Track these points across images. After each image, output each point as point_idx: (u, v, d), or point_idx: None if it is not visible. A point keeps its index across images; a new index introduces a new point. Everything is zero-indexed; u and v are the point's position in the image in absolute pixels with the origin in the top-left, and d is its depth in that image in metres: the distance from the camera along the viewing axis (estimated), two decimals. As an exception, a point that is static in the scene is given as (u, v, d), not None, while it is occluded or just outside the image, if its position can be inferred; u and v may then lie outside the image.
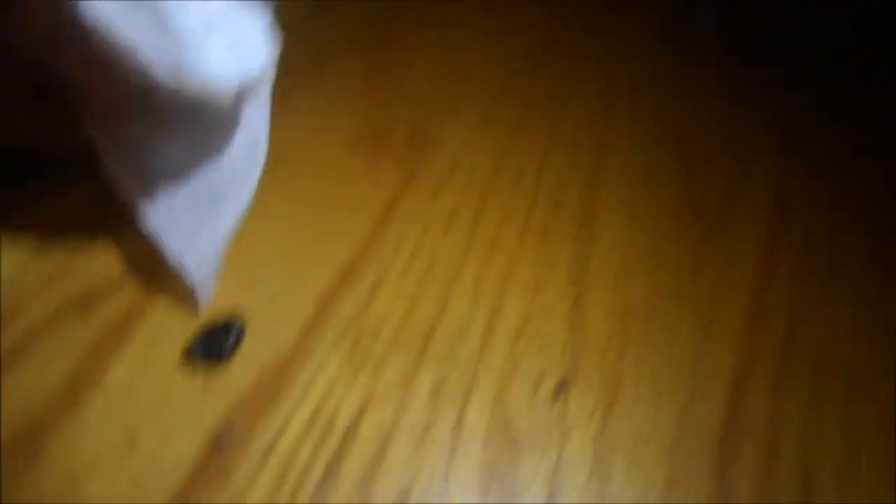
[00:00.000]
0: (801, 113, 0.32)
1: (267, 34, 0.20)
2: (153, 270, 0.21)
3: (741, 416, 0.21)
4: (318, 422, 0.20)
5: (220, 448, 0.19)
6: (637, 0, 0.37)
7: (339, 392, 0.20)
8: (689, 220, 0.27)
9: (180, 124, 0.21)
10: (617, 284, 0.24)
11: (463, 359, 0.21)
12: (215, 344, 0.20)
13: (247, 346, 0.21)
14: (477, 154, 0.28)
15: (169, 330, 0.21)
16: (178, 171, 0.21)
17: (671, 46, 0.34)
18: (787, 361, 0.23)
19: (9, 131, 0.22)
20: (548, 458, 0.20)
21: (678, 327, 0.23)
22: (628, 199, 0.27)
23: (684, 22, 0.36)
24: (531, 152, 0.28)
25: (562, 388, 0.21)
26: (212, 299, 0.21)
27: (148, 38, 0.18)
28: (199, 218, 0.21)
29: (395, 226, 0.25)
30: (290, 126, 0.27)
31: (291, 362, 0.21)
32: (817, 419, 0.22)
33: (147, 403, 0.19)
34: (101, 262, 0.22)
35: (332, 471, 0.19)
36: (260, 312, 0.21)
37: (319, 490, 0.18)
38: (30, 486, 0.18)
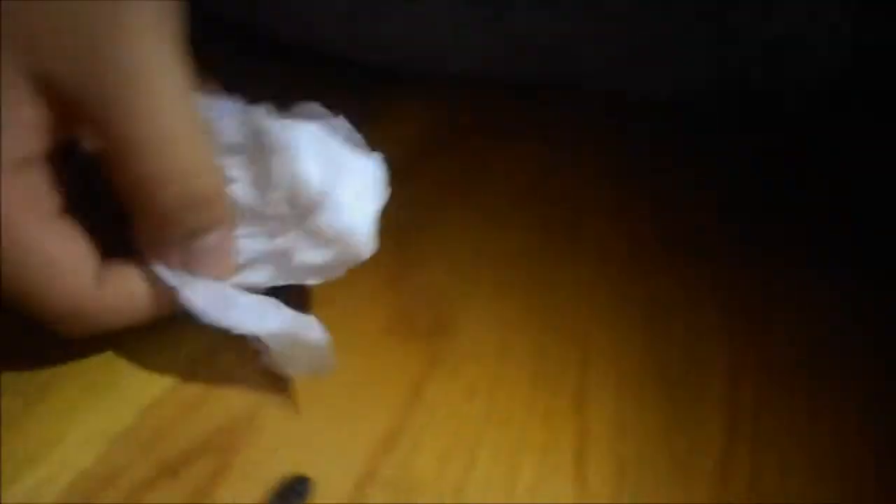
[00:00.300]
0: (749, 289, 0.39)
1: None
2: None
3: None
4: (375, 565, 0.24)
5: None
6: (606, 204, 0.45)
7: (391, 539, 0.24)
8: (662, 393, 0.32)
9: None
10: (611, 448, 0.29)
11: (491, 510, 0.26)
12: (288, 500, 0.24)
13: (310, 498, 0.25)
14: (485, 342, 0.34)
15: (246, 489, 0.25)
16: None
17: (642, 239, 0.42)
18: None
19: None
20: None
21: (663, 483, 0.28)
22: (613, 379, 0.32)
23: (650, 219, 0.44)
24: (527, 343, 0.34)
25: (573, 536, 0.25)
26: (279, 463, 0.26)
27: None
28: None
29: (425, 399, 0.30)
30: (331, 315, 0.34)
31: (349, 513, 0.25)
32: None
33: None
34: (189, 428, 0.27)
35: None
36: (319, 469, 0.26)
37: None
38: None
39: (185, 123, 0.22)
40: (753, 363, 0.34)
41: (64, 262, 0.22)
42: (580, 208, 0.44)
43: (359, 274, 0.36)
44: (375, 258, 0.36)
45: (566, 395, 0.31)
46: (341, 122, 0.30)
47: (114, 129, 0.21)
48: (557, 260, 0.39)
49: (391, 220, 0.40)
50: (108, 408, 0.28)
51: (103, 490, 0.25)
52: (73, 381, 0.28)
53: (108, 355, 0.29)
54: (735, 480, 0.28)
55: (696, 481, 0.28)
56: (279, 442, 0.27)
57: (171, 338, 0.29)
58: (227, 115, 0.27)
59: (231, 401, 0.28)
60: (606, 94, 0.55)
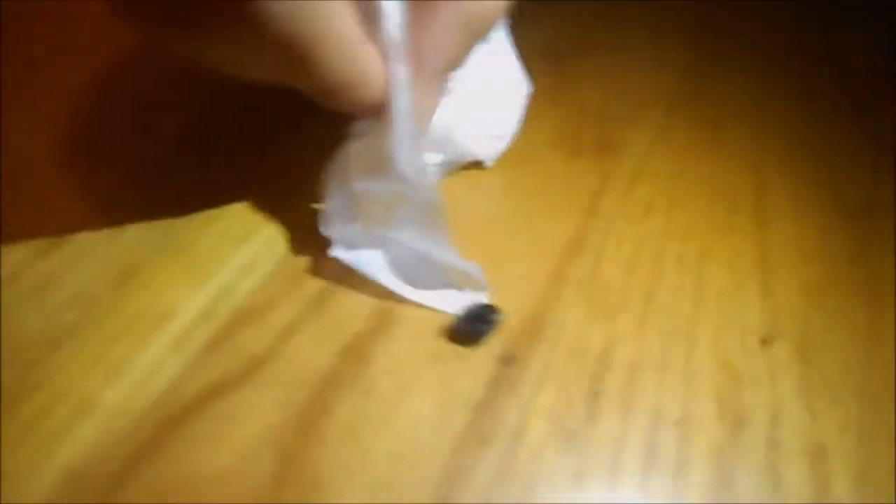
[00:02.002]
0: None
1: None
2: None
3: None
4: (576, 354, 0.24)
5: (510, 363, 0.23)
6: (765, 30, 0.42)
7: (587, 333, 0.25)
8: (839, 218, 0.31)
9: None
10: (794, 267, 0.28)
11: (681, 314, 0.26)
12: (473, 324, 0.24)
13: (504, 299, 0.25)
14: (657, 164, 0.33)
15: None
16: None
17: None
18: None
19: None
20: (764, 392, 0.24)
21: (849, 306, 0.27)
22: (791, 204, 0.31)
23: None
24: (701, 166, 0.33)
25: (766, 342, 0.25)
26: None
27: None
28: None
29: (602, 211, 0.30)
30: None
31: (543, 310, 0.25)
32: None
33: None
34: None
35: (596, 389, 0.23)
36: (512, 270, 0.26)
37: (588, 407, 0.23)
38: (361, 393, 0.22)
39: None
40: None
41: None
42: (745, 40, 0.42)
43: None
44: (535, 78, 0.35)
45: (745, 215, 0.30)
46: None
47: None
48: (725, 94, 0.37)
49: (549, 43, 0.39)
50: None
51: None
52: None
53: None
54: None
55: (881, 309, 0.28)
56: (467, 240, 0.27)
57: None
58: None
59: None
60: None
